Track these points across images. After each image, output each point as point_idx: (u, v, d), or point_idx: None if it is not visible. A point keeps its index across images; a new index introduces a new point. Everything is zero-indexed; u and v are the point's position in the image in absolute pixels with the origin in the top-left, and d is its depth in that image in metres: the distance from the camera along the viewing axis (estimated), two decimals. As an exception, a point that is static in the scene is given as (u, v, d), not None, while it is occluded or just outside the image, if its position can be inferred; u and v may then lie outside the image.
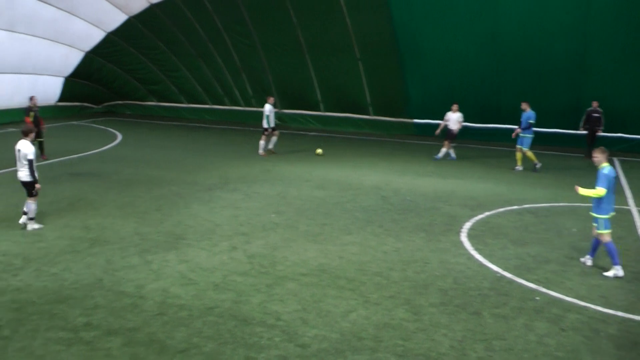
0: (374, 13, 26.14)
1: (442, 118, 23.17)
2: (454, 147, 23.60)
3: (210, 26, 30.68)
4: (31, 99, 22.21)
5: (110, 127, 31.12)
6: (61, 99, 34.86)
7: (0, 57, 29.45)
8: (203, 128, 32.25)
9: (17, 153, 13.43)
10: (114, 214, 14.81)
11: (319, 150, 23.23)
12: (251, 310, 9.41)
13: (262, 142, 23.66)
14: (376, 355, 8.13)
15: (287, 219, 14.66)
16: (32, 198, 13.45)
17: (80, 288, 10.20)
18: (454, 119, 23.06)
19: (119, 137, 28.05)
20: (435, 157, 23.38)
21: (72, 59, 33.37)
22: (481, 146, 23.75)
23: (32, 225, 13.53)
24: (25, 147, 13.33)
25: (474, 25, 24.88)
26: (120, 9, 30.46)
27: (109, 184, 18.17)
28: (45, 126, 22.32)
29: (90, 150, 23.88)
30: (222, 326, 8.86)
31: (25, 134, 13.55)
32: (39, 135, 21.28)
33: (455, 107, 23.02)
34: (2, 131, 28.96)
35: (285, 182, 18.83)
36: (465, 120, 23.07)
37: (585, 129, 24.15)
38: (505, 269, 11.50)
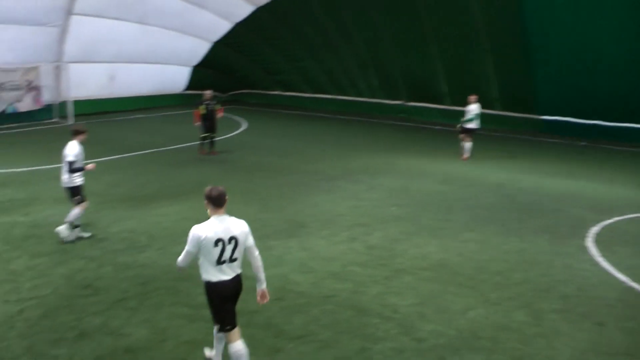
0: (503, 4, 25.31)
1: (573, 115, 21.84)
2: None
3: (336, 17, 30.77)
4: (205, 92, 21.59)
5: (236, 115, 31.96)
6: (188, 87, 36.27)
7: (131, 48, 31.30)
8: (326, 118, 32.55)
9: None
10: (237, 200, 15.12)
11: None
12: (368, 302, 9.43)
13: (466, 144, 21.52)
14: (493, 356, 7.93)
15: (408, 212, 14.58)
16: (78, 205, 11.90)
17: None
18: None
19: (244, 125, 28.75)
20: None
21: (200, 49, 34.70)
22: (612, 146, 22.60)
23: (65, 232, 11.78)
24: (67, 148, 11.62)
25: (609, 20, 23.54)
26: (248, 0, 31.14)
27: (232, 170, 18.69)
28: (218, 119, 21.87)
29: (215, 138, 24.43)
30: (338, 315, 8.93)
31: (74, 134, 11.85)
32: (211, 129, 21.42)
33: None
34: (131, 117, 30.42)
35: (408, 175, 18.71)
36: (594, 118, 21.63)
37: None
38: (634, 280, 10.79)
